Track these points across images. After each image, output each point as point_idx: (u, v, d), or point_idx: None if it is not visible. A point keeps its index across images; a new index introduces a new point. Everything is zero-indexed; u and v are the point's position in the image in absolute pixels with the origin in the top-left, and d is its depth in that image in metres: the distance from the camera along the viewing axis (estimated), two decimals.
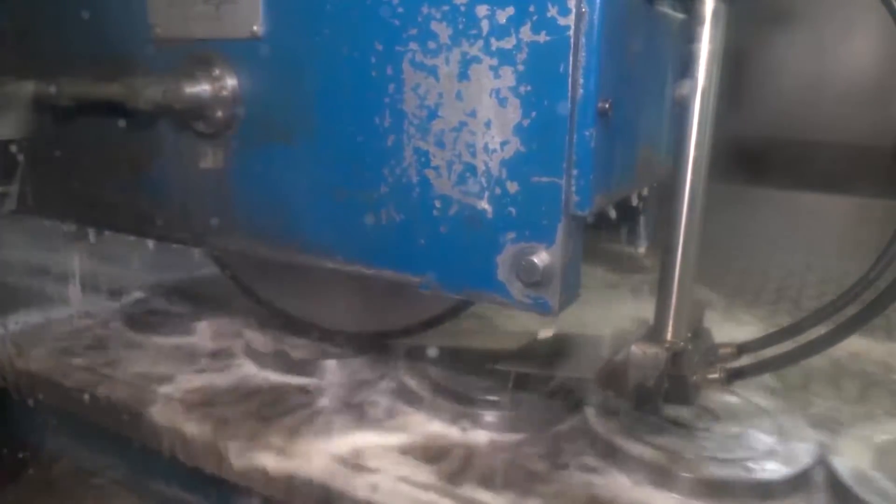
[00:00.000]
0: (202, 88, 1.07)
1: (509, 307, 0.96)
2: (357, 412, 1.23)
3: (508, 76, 0.89)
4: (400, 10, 0.93)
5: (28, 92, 1.28)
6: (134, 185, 1.28)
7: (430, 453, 1.10)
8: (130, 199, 1.29)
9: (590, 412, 1.18)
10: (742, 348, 1.14)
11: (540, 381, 1.25)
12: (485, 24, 0.88)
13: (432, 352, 1.34)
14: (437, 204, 0.97)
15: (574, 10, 0.83)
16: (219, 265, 1.47)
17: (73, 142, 1.34)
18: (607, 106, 0.86)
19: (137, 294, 1.77)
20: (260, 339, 1.44)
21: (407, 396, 1.25)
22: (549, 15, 0.85)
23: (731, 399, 1.23)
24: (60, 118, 1.32)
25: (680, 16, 1.11)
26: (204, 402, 1.25)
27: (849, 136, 3.04)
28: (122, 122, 1.23)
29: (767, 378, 1.31)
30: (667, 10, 1.10)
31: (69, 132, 1.33)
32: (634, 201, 1.22)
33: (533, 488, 1.01)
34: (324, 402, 1.27)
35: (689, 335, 1.05)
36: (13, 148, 1.42)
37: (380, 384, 1.33)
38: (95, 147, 1.31)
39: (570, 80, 0.85)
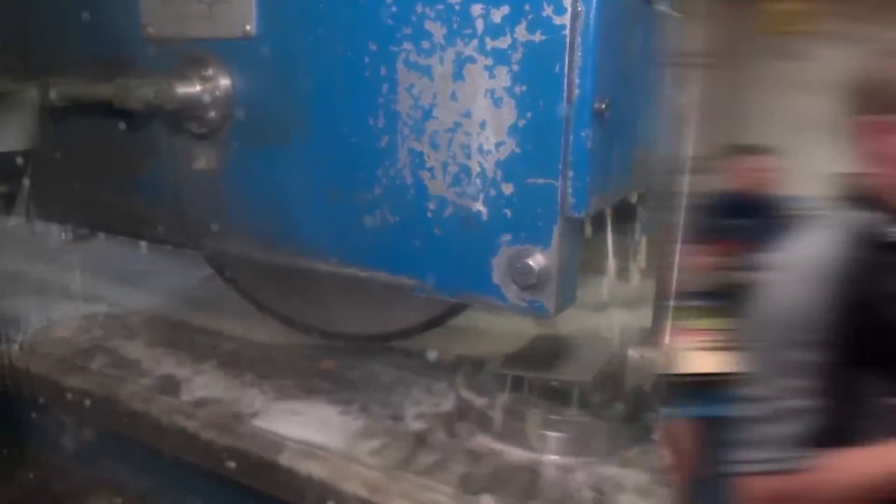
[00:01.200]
0: (194, 89, 1.06)
1: (504, 311, 0.95)
2: None
3: (503, 76, 0.87)
4: (394, 9, 0.92)
5: (33, 100, 1.27)
6: (130, 188, 1.27)
7: None
8: (127, 202, 1.28)
9: None
10: None
11: None
12: (479, 24, 0.87)
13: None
14: (432, 206, 0.95)
15: (570, 9, 0.82)
16: (215, 268, 1.47)
17: (70, 144, 1.33)
18: (604, 106, 0.85)
19: None
20: None
21: None
22: (544, 14, 0.83)
23: None
24: (58, 121, 1.31)
25: (678, 15, 1.10)
26: None
27: None
28: (117, 124, 1.21)
29: None
30: (664, 9, 1.08)
31: (65, 134, 1.32)
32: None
33: None
34: None
35: None
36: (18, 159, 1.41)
37: None
38: (91, 149, 1.30)
39: (565, 80, 0.84)
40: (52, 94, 1.21)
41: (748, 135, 8.48)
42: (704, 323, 2.93)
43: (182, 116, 1.10)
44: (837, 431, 0.82)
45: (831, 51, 9.17)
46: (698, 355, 2.55)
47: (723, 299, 2.79)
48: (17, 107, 1.33)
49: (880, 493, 0.80)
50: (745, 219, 3.24)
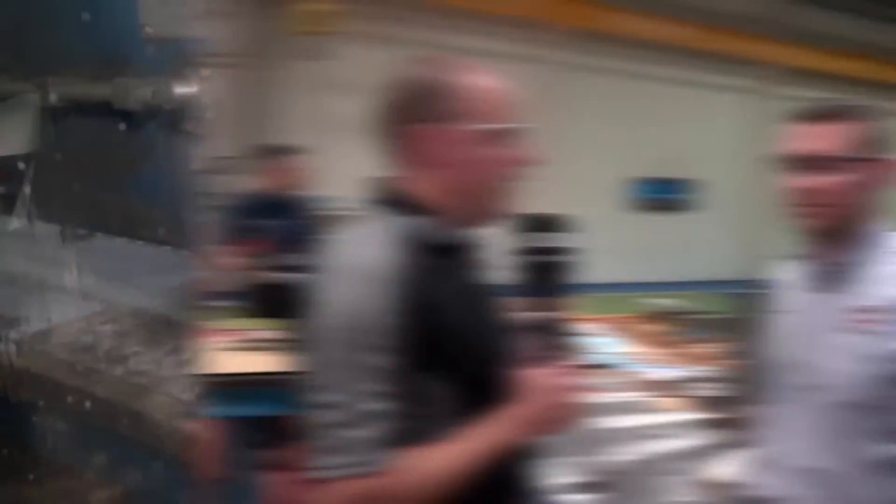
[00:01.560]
0: (193, 88, 1.06)
1: None
2: None
3: None
4: None
5: (35, 103, 1.27)
6: (129, 188, 1.26)
7: None
8: (126, 202, 1.28)
9: None
10: None
11: None
12: None
13: None
14: None
15: None
16: None
17: (69, 145, 1.33)
18: None
19: None
20: None
21: None
22: None
23: None
24: (57, 120, 1.31)
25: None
26: None
27: None
28: (116, 124, 1.21)
29: None
30: None
31: (64, 135, 1.32)
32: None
33: None
34: None
35: None
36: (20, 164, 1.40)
37: None
38: (91, 150, 1.30)
39: None
40: (52, 96, 1.21)
41: (278, 134, 7.85)
42: (235, 323, 2.91)
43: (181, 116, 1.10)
44: (413, 433, 0.84)
45: (361, 51, 8.64)
46: (229, 356, 2.49)
47: (253, 299, 2.79)
48: (17, 109, 1.33)
49: (454, 486, 0.85)
50: (276, 219, 3.20)
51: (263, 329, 2.69)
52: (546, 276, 0.93)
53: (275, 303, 3.05)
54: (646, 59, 11.18)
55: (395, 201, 0.93)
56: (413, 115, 0.92)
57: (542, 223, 0.95)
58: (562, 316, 0.94)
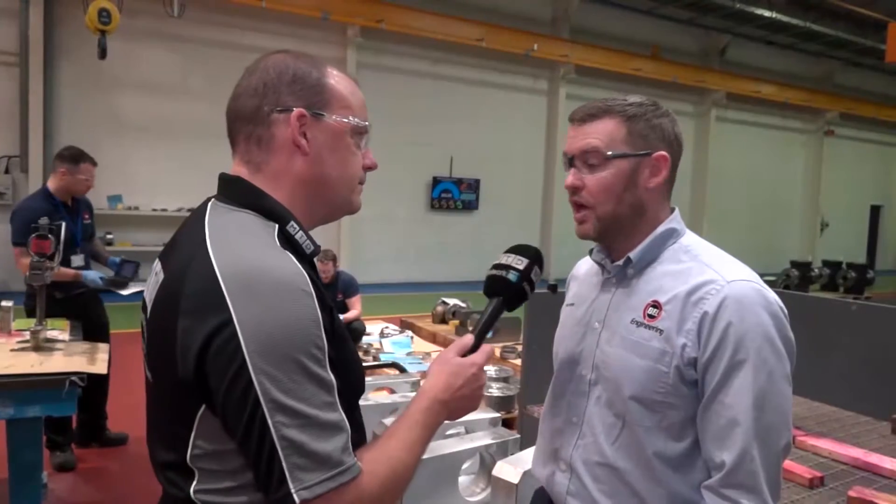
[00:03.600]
0: None
1: None
2: None
3: None
4: None
5: None
6: None
7: None
8: None
9: None
10: None
11: None
12: None
13: None
14: None
15: None
16: None
17: None
18: None
19: None
20: None
21: None
22: None
23: None
24: None
25: None
26: None
27: None
28: None
29: None
30: None
31: None
32: None
33: None
34: None
35: None
36: None
37: None
38: None
39: None
40: None
41: (64, 134, 7.99)
42: (21, 323, 2.92)
43: None
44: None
45: (149, 50, 8.57)
46: (13, 356, 2.46)
47: (40, 299, 2.75)
48: None
49: (413, 473, 0.90)
50: (63, 219, 3.19)
51: (50, 329, 2.73)
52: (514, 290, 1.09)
53: (62, 302, 3.20)
54: (439, 59, 10.92)
55: (248, 200, 0.88)
56: (280, 100, 0.88)
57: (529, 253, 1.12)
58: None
